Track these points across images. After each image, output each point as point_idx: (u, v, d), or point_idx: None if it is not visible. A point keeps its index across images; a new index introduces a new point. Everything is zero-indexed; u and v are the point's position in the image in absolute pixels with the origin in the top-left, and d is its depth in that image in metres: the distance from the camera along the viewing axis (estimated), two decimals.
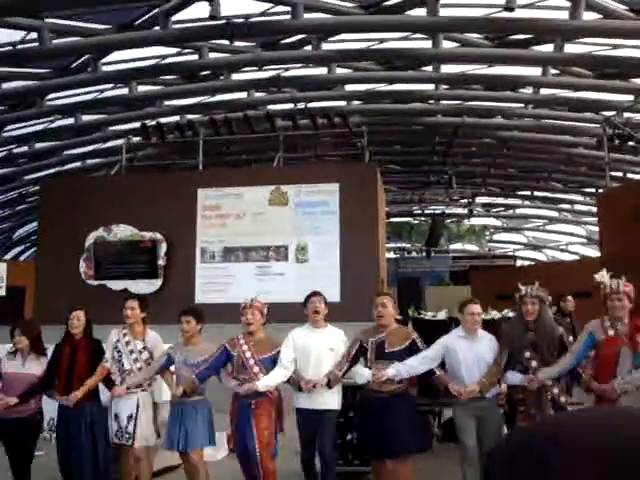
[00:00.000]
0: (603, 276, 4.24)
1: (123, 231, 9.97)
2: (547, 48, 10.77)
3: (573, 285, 9.36)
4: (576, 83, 12.13)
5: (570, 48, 10.66)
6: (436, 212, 19.74)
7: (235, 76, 12.29)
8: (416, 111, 14.20)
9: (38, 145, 15.04)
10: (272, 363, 4.52)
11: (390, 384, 4.37)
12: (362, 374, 4.47)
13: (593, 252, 21.87)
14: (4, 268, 10.42)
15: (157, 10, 9.58)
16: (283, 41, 11.15)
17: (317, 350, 4.57)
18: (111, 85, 12.45)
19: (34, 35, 9.82)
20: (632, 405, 3.76)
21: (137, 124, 12.58)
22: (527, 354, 4.24)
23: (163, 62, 11.67)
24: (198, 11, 9.44)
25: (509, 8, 8.38)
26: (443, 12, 9.49)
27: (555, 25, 9.75)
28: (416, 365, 4.39)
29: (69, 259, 9.95)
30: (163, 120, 12.53)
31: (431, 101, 13.88)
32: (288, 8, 9.55)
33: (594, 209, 14.37)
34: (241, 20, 10.06)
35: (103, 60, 11.22)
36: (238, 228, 9.70)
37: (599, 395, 4.05)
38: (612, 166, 11.98)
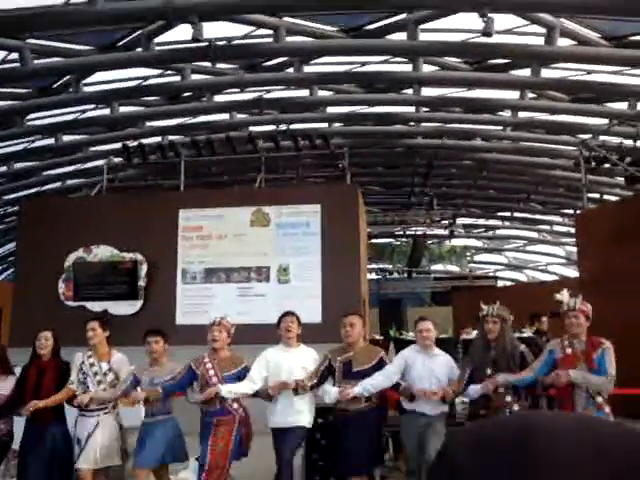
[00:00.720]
0: (563, 295, 4.32)
1: (103, 252, 9.88)
2: (524, 72, 11.00)
3: (552, 305, 9.44)
4: (553, 107, 12.39)
5: (547, 73, 10.91)
6: (417, 233, 19.89)
7: (217, 98, 12.36)
8: (397, 133, 14.37)
9: (18, 165, 14.92)
10: (236, 380, 4.53)
11: (358, 402, 4.41)
12: (329, 393, 4.51)
13: (573, 273, 22.13)
14: None
15: (140, 32, 9.63)
16: (265, 63, 11.26)
17: (289, 368, 4.61)
18: (93, 105, 12.44)
19: (15, 55, 9.80)
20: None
21: (118, 145, 12.54)
22: (488, 371, 4.32)
23: (145, 83, 11.71)
24: (181, 33, 9.50)
25: (487, 33, 8.56)
26: (423, 36, 9.67)
27: (531, 50, 9.99)
28: (381, 380, 4.46)
29: (48, 280, 9.82)
30: (145, 141, 12.51)
31: (412, 123, 14.06)
32: (270, 31, 9.67)
33: (573, 230, 14.59)
34: (223, 42, 10.15)
35: (85, 81, 11.22)
36: (219, 249, 9.67)
37: (552, 385, 4.18)
38: (589, 188, 12.20)
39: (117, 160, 12.68)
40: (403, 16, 9.58)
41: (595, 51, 9.78)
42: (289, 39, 9.72)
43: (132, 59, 10.17)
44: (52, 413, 4.58)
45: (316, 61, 11.20)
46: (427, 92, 12.13)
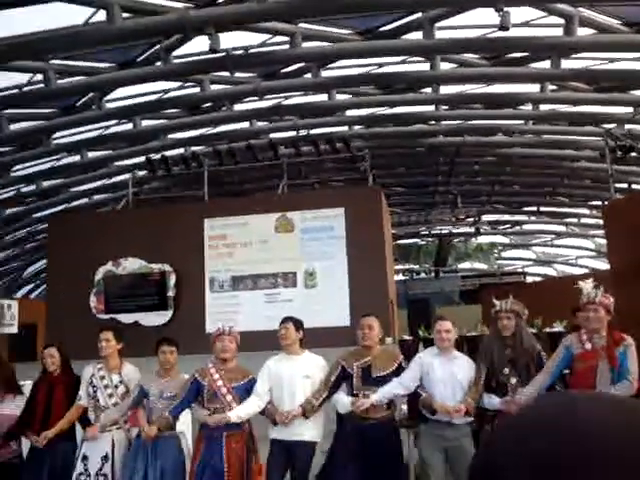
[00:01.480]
0: (587, 284, 3.96)
1: (132, 264, 10.04)
2: (544, 65, 10.87)
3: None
4: (575, 97, 12.22)
5: (567, 64, 10.77)
6: (443, 232, 19.75)
7: (237, 107, 12.46)
8: (417, 133, 14.31)
9: (45, 183, 15.24)
10: (245, 392, 4.23)
11: (377, 410, 4.05)
12: (343, 403, 4.12)
13: (603, 265, 21.74)
14: (15, 306, 10.48)
15: (158, 46, 9.78)
16: (283, 70, 11.32)
17: (290, 378, 4.25)
18: (115, 121, 12.65)
19: (40, 77, 10.03)
20: None
21: (142, 158, 12.75)
22: (506, 370, 4.03)
23: (166, 96, 11.86)
24: (198, 45, 9.62)
25: (504, 27, 8.49)
26: (439, 34, 9.63)
27: (550, 42, 9.87)
28: (400, 388, 4.10)
29: (79, 294, 10.00)
30: (168, 153, 12.70)
31: (432, 122, 13.99)
32: (286, 38, 9.73)
33: (601, 221, 14.35)
34: (241, 52, 10.24)
35: (107, 97, 11.43)
36: (245, 256, 9.74)
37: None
38: (616, 178, 11.99)
39: (141, 173, 12.88)
40: (418, 15, 9.55)
41: (616, 38, 9.61)
42: (305, 45, 9.77)
43: (152, 73, 10.32)
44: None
45: (333, 65, 11.22)
46: (446, 90, 12.07)
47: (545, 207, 20.50)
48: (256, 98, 12.18)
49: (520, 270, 26.57)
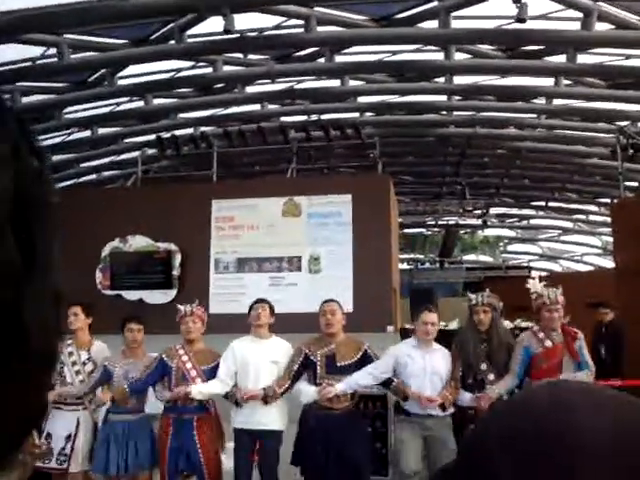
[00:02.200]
0: (535, 285, 4.05)
1: (138, 242, 10.09)
2: (559, 59, 10.78)
3: (586, 296, 9.31)
4: (589, 93, 12.12)
5: (583, 58, 10.66)
6: (450, 223, 19.72)
7: (249, 89, 12.43)
8: (429, 122, 14.24)
9: (55, 158, 15.27)
10: (214, 375, 4.20)
11: (340, 400, 4.00)
12: (307, 393, 4.04)
13: (609, 263, 21.68)
14: None
15: (172, 25, 9.75)
16: (296, 54, 11.27)
17: (257, 363, 4.19)
18: (127, 98, 12.65)
19: (53, 50, 10.03)
20: None
21: (152, 136, 12.75)
22: (483, 366, 4.05)
23: (178, 75, 11.84)
24: (212, 25, 9.58)
25: (521, 19, 8.42)
26: (455, 24, 9.55)
27: (567, 36, 9.78)
28: (369, 378, 4.03)
29: (85, 269, 10.07)
30: (178, 132, 12.69)
31: (443, 112, 13.92)
32: (301, 21, 9.67)
33: (609, 219, 14.30)
34: (255, 34, 10.20)
35: (119, 74, 11.41)
36: (251, 239, 9.77)
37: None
38: (626, 176, 11.93)
39: (151, 152, 12.89)
40: (434, 4, 9.47)
41: (634, 35, 9.51)
42: (320, 29, 9.71)
43: (165, 52, 10.30)
44: None
45: (347, 51, 11.16)
46: (459, 80, 11.99)
47: (553, 202, 20.41)
48: (268, 81, 12.14)
49: (525, 264, 26.52)
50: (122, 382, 4.21)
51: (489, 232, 25.46)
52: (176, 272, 9.86)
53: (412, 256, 24.51)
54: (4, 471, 0.23)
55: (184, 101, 12.84)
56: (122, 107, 12.97)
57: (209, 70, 11.42)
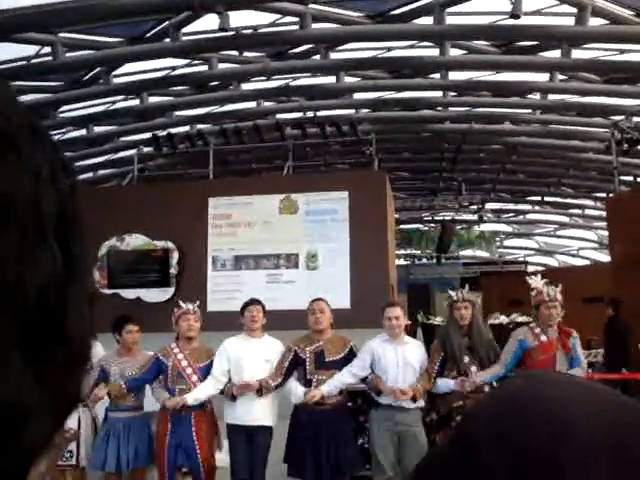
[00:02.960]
0: (537, 282, 4.21)
1: (135, 240, 10.10)
2: (554, 54, 10.81)
3: (582, 291, 9.36)
4: (584, 88, 12.15)
5: (577, 54, 10.70)
6: (446, 219, 19.75)
7: (244, 86, 12.43)
8: (424, 118, 14.27)
9: None
10: (209, 372, 4.30)
11: (329, 397, 4.16)
12: (296, 394, 4.20)
13: (605, 257, 21.76)
14: None
15: (167, 23, 9.74)
16: (291, 51, 11.28)
17: (251, 361, 4.31)
18: (122, 97, 12.63)
19: (48, 49, 10.01)
20: None
21: (148, 135, 12.74)
22: (466, 359, 4.19)
23: (173, 73, 11.83)
24: (207, 23, 9.59)
25: (515, 15, 8.45)
26: (449, 20, 9.57)
27: (562, 31, 9.80)
28: (349, 377, 4.21)
29: None
30: (174, 130, 12.68)
31: (439, 108, 13.94)
32: (296, 19, 9.68)
33: (605, 214, 14.35)
34: (250, 31, 10.19)
35: (115, 72, 11.40)
36: (249, 236, 9.79)
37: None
38: (622, 170, 11.97)
39: (147, 150, 12.89)
40: (429, 0, 9.49)
41: (628, 30, 9.54)
42: (315, 26, 9.72)
43: (160, 50, 10.29)
44: None
45: (342, 47, 11.17)
46: (454, 76, 12.01)
47: (549, 197, 20.46)
48: (264, 78, 12.15)
49: (522, 259, 26.58)
50: (119, 380, 4.29)
51: (485, 227, 25.49)
52: (173, 270, 9.87)
53: (409, 252, 24.53)
54: (48, 449, 0.27)
55: (180, 99, 12.84)
56: (118, 105, 12.96)
57: (204, 68, 11.42)
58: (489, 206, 20.24)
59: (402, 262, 21.84)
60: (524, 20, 8.89)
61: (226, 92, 12.50)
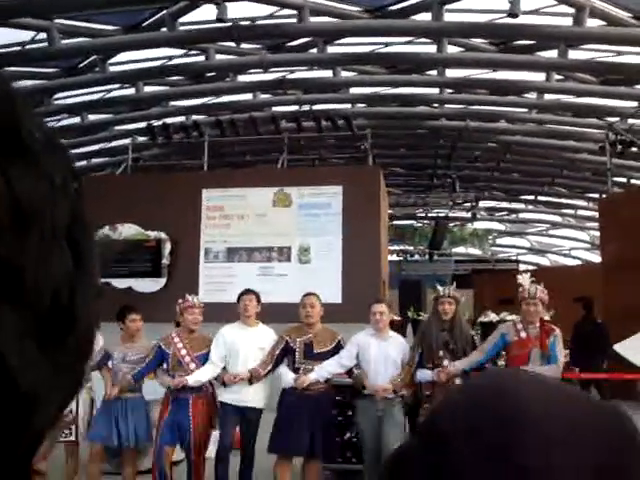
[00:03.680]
0: (524, 279, 4.34)
1: (128, 230, 10.07)
2: (551, 54, 10.83)
3: (573, 291, 9.41)
4: (580, 89, 12.18)
5: (574, 54, 10.72)
6: (439, 215, 19.79)
7: (241, 78, 12.39)
8: (420, 115, 14.26)
9: None
10: (207, 359, 4.63)
11: (316, 383, 4.49)
12: (286, 379, 4.51)
13: (597, 257, 21.87)
14: None
15: (164, 12, 9.69)
16: (289, 44, 11.24)
17: (246, 348, 4.62)
18: (118, 85, 12.56)
19: (43, 35, 9.94)
20: None
21: (143, 124, 12.69)
22: (441, 353, 4.39)
23: (170, 63, 11.77)
24: (205, 13, 9.54)
25: (513, 14, 8.45)
26: (448, 17, 9.57)
27: (559, 31, 9.82)
28: (336, 367, 4.52)
29: None
30: (169, 120, 12.64)
31: (435, 105, 13.94)
32: (294, 11, 9.64)
33: (597, 214, 14.44)
34: (247, 23, 10.15)
35: (111, 60, 11.33)
36: (242, 229, 9.79)
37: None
38: (615, 172, 12.03)
39: (142, 139, 12.84)
40: None
41: (625, 32, 9.57)
42: (313, 19, 9.70)
43: (157, 39, 10.24)
44: None
45: (340, 42, 11.14)
46: (451, 73, 12.02)
47: (543, 197, 20.54)
48: (260, 70, 12.11)
49: (514, 258, 26.69)
50: (121, 365, 4.63)
51: (478, 225, 25.58)
52: (166, 261, 9.86)
53: (401, 248, 24.57)
54: (54, 430, 0.31)
55: (176, 89, 12.78)
56: (113, 94, 12.88)
57: (201, 58, 11.38)
58: (482, 204, 20.32)
59: (395, 258, 21.88)
60: (522, 19, 8.89)
61: (222, 83, 12.46)
